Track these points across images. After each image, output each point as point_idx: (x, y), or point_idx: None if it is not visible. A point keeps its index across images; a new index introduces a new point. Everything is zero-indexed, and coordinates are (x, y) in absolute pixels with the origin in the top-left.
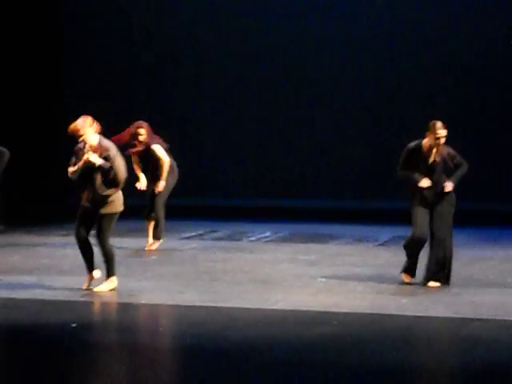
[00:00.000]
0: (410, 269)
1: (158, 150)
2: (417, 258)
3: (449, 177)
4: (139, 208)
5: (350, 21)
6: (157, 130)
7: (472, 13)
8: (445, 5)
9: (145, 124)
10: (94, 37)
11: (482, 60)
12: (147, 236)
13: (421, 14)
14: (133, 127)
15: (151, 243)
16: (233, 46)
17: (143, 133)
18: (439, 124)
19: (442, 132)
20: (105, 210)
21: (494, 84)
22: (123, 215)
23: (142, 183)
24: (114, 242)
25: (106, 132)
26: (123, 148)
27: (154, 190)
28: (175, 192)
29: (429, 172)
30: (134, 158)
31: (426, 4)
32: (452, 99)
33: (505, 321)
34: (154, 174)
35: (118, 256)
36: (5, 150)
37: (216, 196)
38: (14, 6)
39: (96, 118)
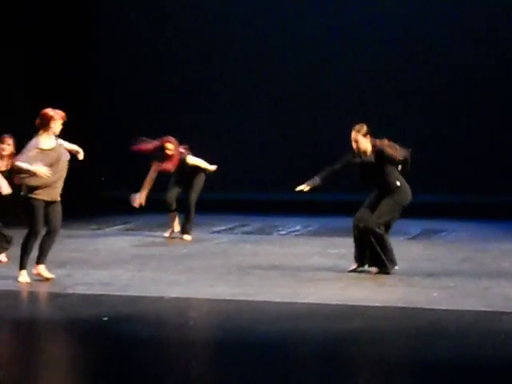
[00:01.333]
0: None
1: (192, 159)
2: (357, 245)
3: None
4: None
5: (358, 20)
6: (190, 121)
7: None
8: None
9: (172, 139)
10: (122, 25)
11: (488, 54)
12: (172, 227)
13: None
14: (160, 141)
15: (181, 236)
16: (250, 44)
17: (171, 148)
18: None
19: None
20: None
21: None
22: (152, 210)
23: (142, 199)
24: (144, 236)
25: (130, 129)
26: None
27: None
28: (206, 186)
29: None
30: (154, 174)
31: None
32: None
33: None
34: (188, 182)
35: (150, 250)
36: None
37: (247, 190)
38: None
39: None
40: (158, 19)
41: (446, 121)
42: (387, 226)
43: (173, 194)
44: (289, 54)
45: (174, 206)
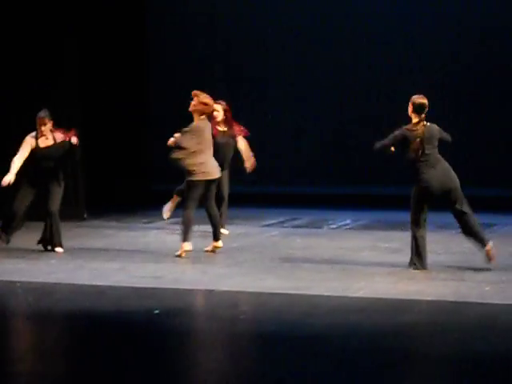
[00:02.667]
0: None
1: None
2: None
3: None
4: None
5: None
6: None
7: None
8: None
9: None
10: (176, 23)
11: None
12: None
13: None
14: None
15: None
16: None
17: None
18: None
19: None
20: None
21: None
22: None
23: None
24: (195, 229)
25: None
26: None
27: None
28: (257, 180)
29: None
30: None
31: None
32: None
33: None
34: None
35: (200, 243)
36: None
37: (298, 184)
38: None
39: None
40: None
41: (493, 115)
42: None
43: None
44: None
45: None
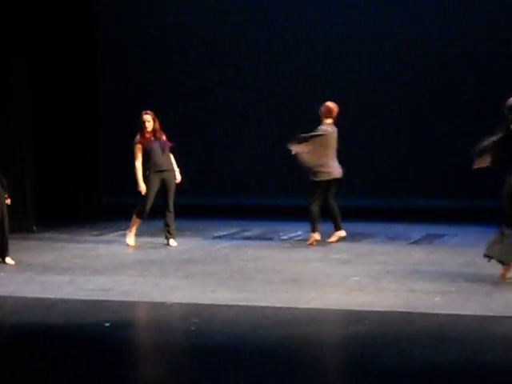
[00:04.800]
0: None
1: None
2: None
3: None
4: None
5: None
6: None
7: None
8: None
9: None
10: (127, 28)
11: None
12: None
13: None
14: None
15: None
16: (245, 42)
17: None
18: None
19: None
20: None
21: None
22: (153, 215)
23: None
24: (145, 241)
25: (131, 135)
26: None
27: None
28: (209, 192)
29: None
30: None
31: None
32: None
33: None
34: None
35: (151, 255)
36: None
37: (248, 195)
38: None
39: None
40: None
41: (450, 127)
42: None
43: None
44: (291, 56)
45: None
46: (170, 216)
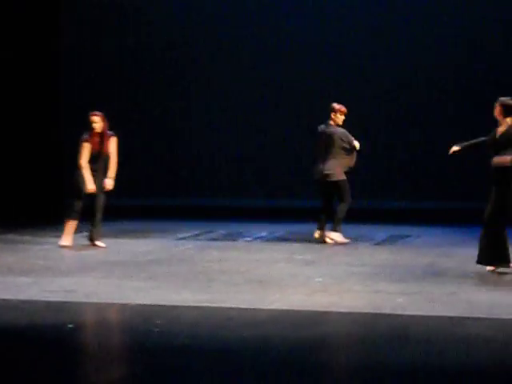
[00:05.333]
0: None
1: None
2: None
3: None
4: (134, 209)
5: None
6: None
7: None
8: None
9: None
10: (90, 33)
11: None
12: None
13: None
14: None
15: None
16: (230, 44)
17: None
18: None
19: None
20: None
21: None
22: (117, 216)
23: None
24: (109, 243)
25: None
26: None
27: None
28: (173, 193)
29: None
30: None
31: None
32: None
33: (499, 320)
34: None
35: (115, 257)
36: None
37: (213, 196)
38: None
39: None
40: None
41: (411, 127)
42: None
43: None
44: (281, 54)
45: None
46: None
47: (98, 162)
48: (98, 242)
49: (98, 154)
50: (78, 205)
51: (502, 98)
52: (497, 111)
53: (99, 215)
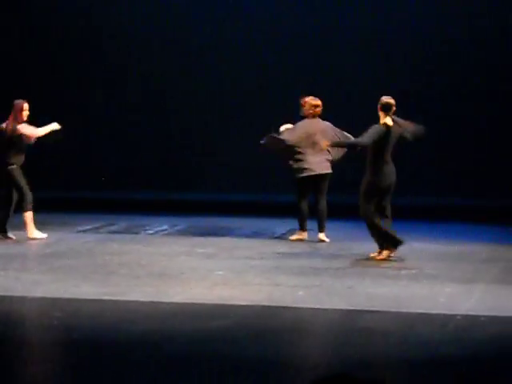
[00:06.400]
0: None
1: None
2: None
3: None
4: (34, 201)
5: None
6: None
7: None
8: None
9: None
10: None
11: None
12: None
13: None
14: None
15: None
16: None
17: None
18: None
19: None
20: None
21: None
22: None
23: None
24: (12, 235)
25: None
26: None
27: None
28: (74, 185)
29: None
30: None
31: None
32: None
33: (398, 313)
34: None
35: (13, 249)
36: None
37: (113, 189)
38: None
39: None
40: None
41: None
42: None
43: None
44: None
45: None
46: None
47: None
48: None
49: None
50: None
51: None
52: None
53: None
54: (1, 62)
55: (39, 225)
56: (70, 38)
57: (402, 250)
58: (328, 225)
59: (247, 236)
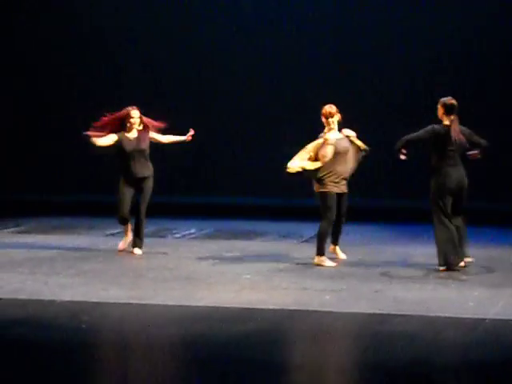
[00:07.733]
0: None
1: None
2: None
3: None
4: (62, 205)
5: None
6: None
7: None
8: None
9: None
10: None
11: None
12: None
13: None
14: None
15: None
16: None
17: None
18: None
19: None
20: None
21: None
22: (45, 212)
23: None
24: (37, 239)
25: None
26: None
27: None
28: (100, 188)
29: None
30: None
31: None
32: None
33: (425, 317)
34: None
35: (42, 253)
36: None
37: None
38: None
39: None
40: None
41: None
42: None
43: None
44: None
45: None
46: None
47: None
48: None
49: None
50: None
51: None
52: None
53: None
54: (4, 61)
55: (68, 228)
56: (80, 40)
57: (428, 253)
58: (354, 228)
59: (275, 240)
